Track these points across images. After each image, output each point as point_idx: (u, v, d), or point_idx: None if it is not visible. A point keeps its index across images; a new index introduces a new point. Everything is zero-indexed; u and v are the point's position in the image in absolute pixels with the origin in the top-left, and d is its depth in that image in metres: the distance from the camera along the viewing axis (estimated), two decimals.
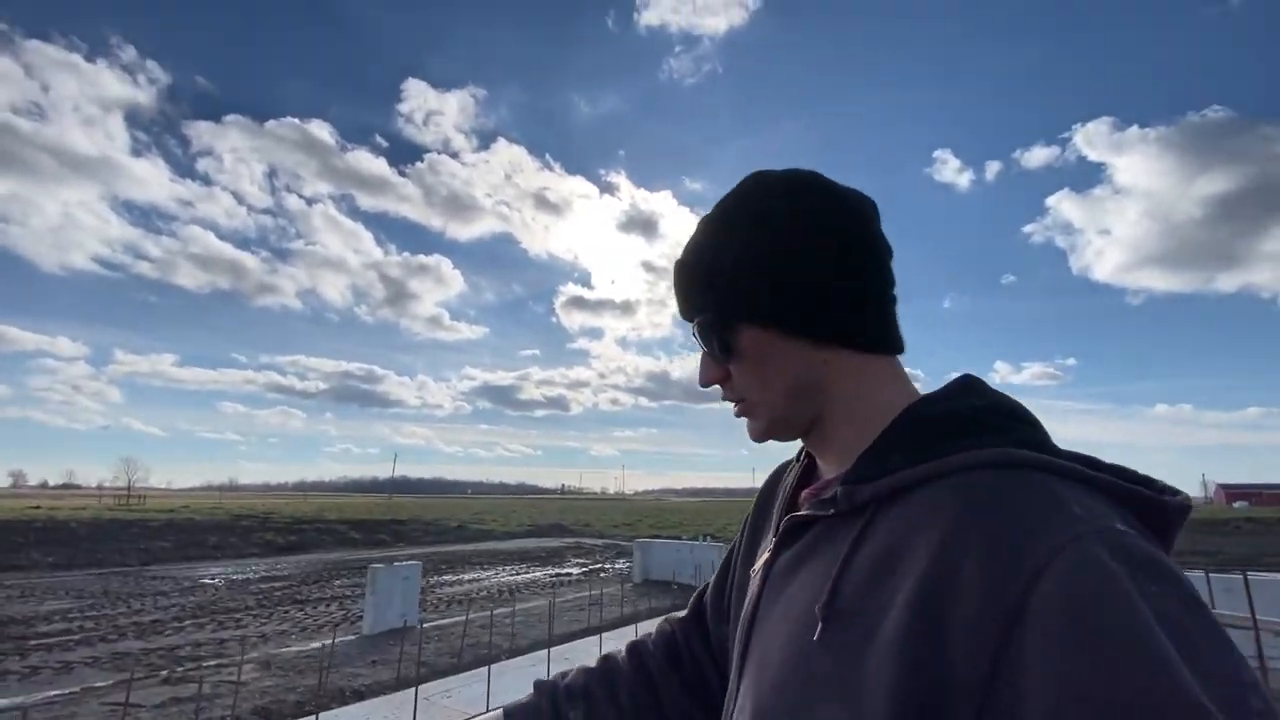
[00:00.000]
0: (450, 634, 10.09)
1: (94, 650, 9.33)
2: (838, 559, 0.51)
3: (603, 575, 17.81)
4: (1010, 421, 0.51)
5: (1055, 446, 0.50)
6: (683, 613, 0.84)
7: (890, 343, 0.59)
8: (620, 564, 20.67)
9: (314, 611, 12.41)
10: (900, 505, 0.49)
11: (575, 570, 19.39)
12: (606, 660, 0.81)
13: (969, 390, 0.55)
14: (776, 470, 0.77)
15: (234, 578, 17.56)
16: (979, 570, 0.41)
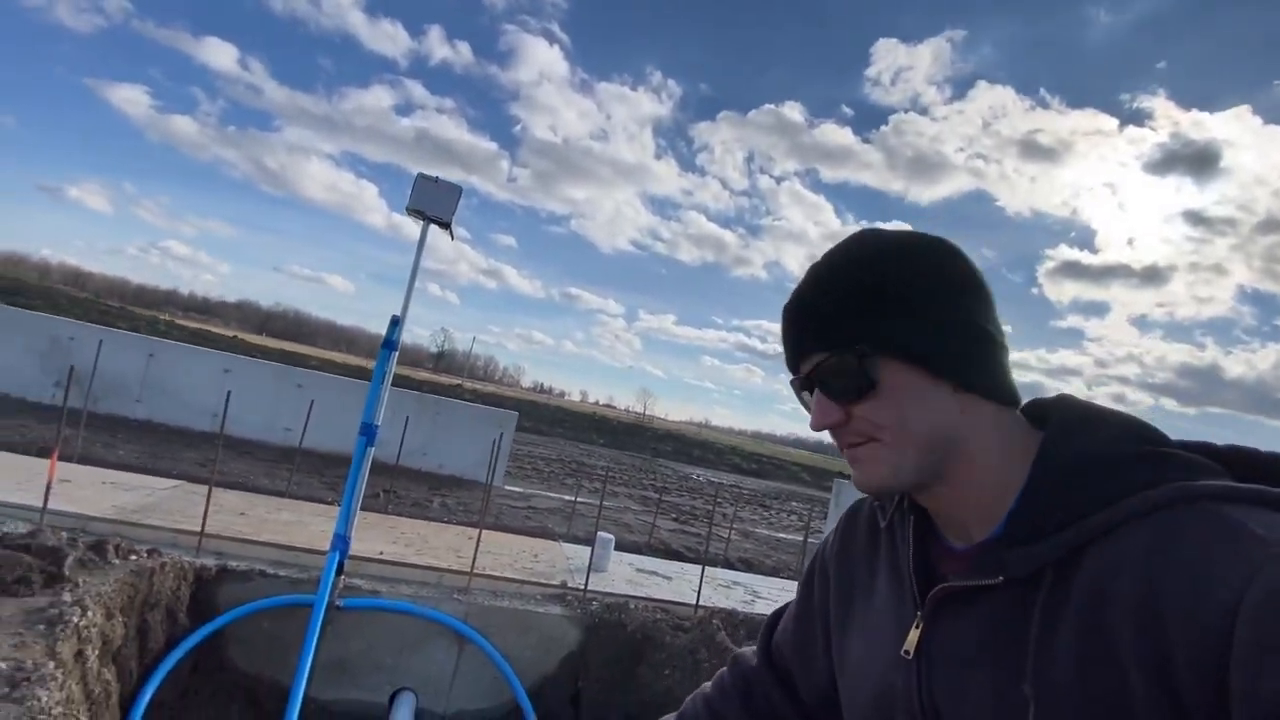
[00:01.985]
0: None
1: (629, 489, 12.85)
2: (1026, 628, 0.49)
3: None
4: (1158, 449, 0.51)
5: (1203, 463, 0.50)
6: (752, 654, 0.81)
7: (1016, 396, 0.59)
8: None
9: (776, 515, 13.97)
10: (1080, 558, 0.48)
11: None
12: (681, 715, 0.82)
13: (1088, 419, 0.55)
14: (851, 517, 0.74)
15: (712, 479, 21.30)
16: (1187, 608, 0.42)
